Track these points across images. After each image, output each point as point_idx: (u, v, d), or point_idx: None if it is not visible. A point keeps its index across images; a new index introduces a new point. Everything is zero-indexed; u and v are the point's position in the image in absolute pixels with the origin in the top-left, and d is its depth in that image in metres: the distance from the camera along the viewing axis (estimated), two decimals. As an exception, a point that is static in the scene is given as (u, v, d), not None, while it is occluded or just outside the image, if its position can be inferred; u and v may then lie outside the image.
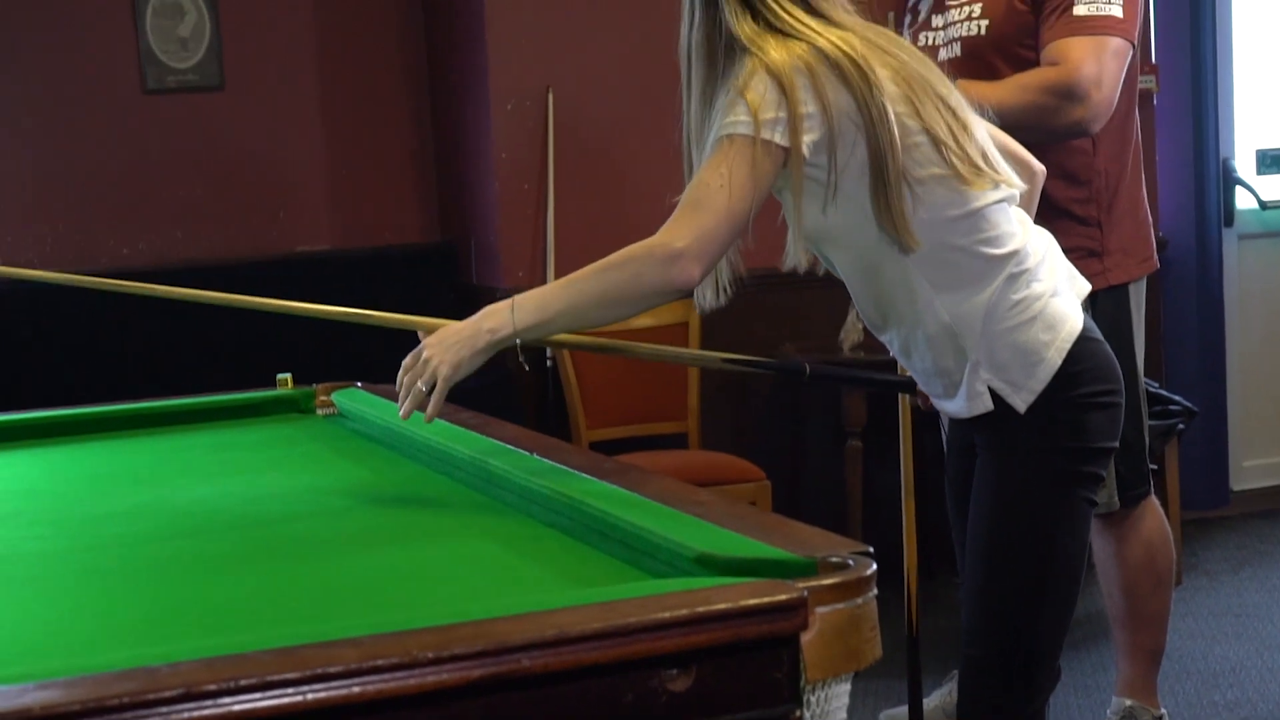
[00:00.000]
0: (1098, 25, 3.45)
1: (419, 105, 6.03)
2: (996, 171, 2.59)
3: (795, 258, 2.65)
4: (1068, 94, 3.42)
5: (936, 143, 2.51)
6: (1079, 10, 3.45)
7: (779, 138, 2.44)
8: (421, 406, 2.47)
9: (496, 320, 2.49)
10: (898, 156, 2.48)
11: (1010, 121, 3.43)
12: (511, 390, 5.35)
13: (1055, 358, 2.59)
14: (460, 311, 5.95)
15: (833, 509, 5.44)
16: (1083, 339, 2.63)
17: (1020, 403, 2.60)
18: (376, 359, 5.40)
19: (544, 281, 5.47)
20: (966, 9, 3.61)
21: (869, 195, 2.50)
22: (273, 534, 2.39)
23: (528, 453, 2.58)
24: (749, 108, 2.43)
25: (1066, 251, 3.53)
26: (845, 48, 2.48)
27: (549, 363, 5.40)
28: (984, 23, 3.57)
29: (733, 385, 5.58)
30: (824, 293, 3.96)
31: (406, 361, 2.50)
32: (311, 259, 5.92)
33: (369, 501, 2.59)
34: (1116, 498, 3.68)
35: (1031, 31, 3.53)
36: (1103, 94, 3.44)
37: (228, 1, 5.75)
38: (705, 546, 1.90)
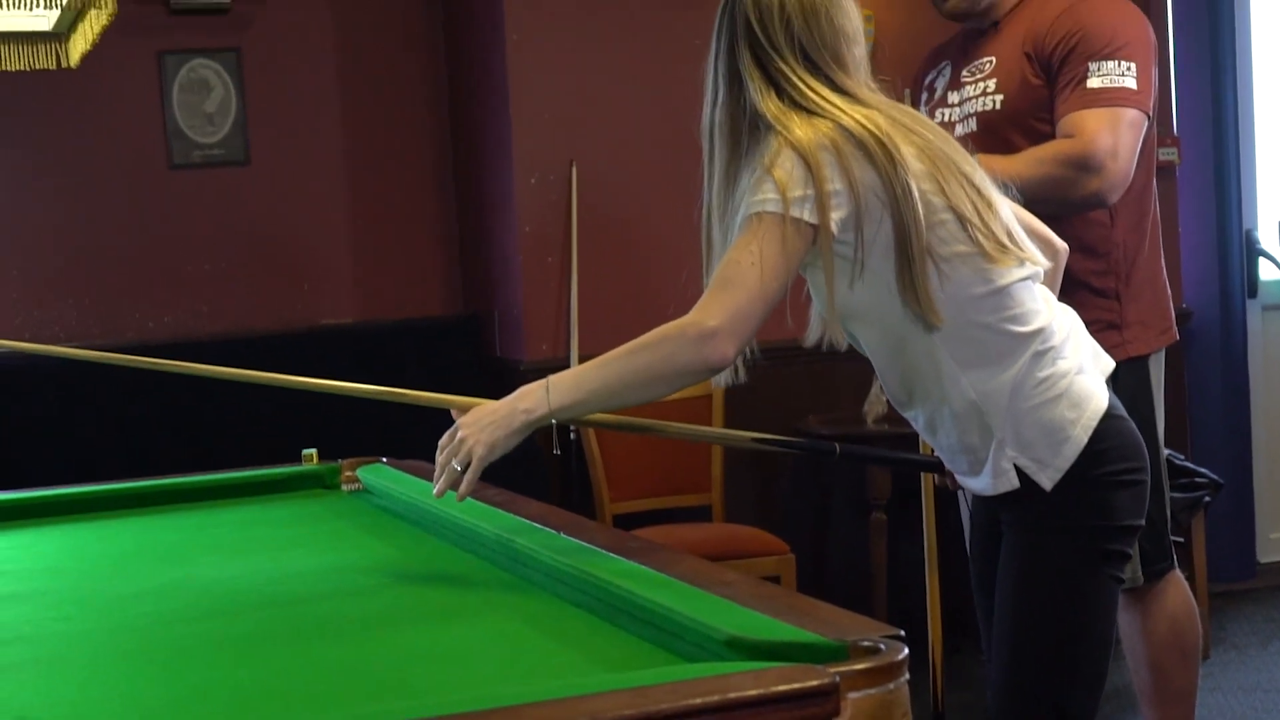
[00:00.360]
0: (1112, 97, 3.47)
1: (443, 178, 6.06)
2: (1021, 249, 2.59)
3: (818, 333, 2.66)
4: (1084, 166, 3.43)
5: (962, 220, 2.52)
6: (1093, 83, 3.47)
7: (808, 215, 2.44)
8: (455, 485, 2.46)
9: (531, 400, 2.50)
10: (922, 234, 2.48)
11: (1028, 194, 3.43)
12: (535, 462, 5.34)
13: (1081, 435, 2.58)
14: (484, 384, 6.00)
15: (857, 582, 5.42)
16: (1108, 416, 2.62)
17: (1046, 481, 2.59)
18: (401, 435, 5.41)
19: (568, 354, 5.48)
20: (982, 84, 3.64)
21: (894, 272, 2.50)
22: (300, 614, 2.38)
23: (554, 530, 2.57)
24: (777, 185, 2.44)
25: (1085, 324, 3.54)
26: (870, 125, 2.49)
27: (572, 435, 5.40)
28: (999, 97, 3.60)
29: (756, 458, 5.57)
30: (847, 365, 3.95)
31: (443, 441, 2.52)
32: (335, 332, 5.94)
33: (395, 579, 2.58)
34: (1140, 573, 3.65)
35: (1046, 105, 3.55)
36: (1119, 165, 3.45)
37: (253, 77, 5.79)
38: (735, 629, 1.89)
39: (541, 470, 5.42)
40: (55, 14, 2.98)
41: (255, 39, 5.80)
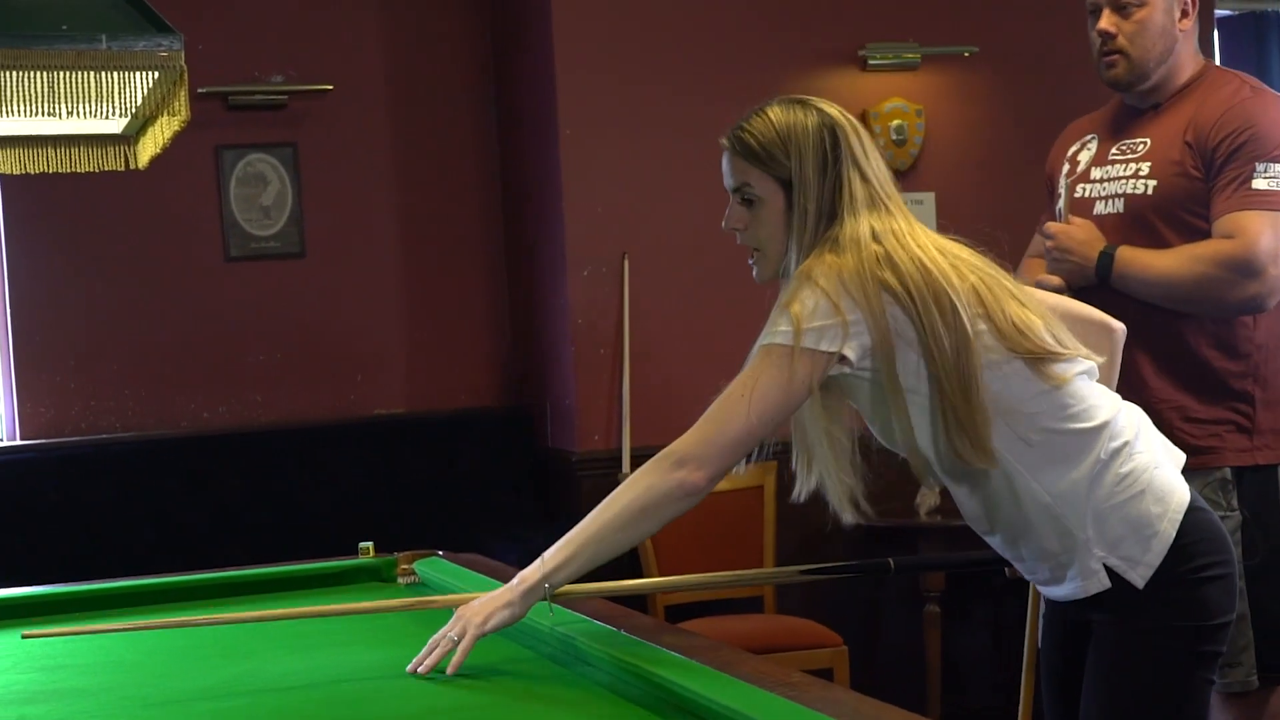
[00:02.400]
0: (1276, 200, 3.40)
1: (496, 271, 6.11)
2: (1070, 348, 2.58)
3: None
4: (1244, 269, 3.37)
5: (1003, 332, 2.51)
6: (1258, 184, 3.40)
7: (823, 345, 2.46)
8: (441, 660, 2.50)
9: (525, 572, 2.55)
10: (959, 370, 2.47)
11: (1179, 292, 3.39)
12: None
13: (1169, 530, 2.54)
14: (536, 474, 6.00)
15: (911, 674, 5.39)
16: (1192, 510, 2.58)
17: (1138, 579, 2.55)
18: (457, 529, 5.43)
19: (619, 446, 5.49)
20: (1133, 166, 3.56)
21: (933, 409, 2.50)
22: (363, 713, 2.39)
23: (614, 628, 2.57)
24: (791, 319, 2.46)
25: (1215, 424, 3.45)
26: (905, 254, 2.50)
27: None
28: (1152, 183, 3.51)
29: (807, 548, 5.55)
30: (897, 456, 3.95)
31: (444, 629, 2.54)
32: (388, 422, 5.98)
33: (456, 676, 2.58)
34: (1255, 676, 3.49)
35: (1198, 198, 3.46)
36: (1279, 270, 3.39)
37: (309, 171, 5.87)
38: (802, 733, 1.89)
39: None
40: (126, 118, 3.03)
41: (311, 134, 5.88)
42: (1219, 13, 6.56)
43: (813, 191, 2.54)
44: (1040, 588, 2.73)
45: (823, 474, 2.64)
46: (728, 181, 2.67)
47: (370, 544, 3.62)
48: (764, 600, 5.44)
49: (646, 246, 5.64)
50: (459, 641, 2.48)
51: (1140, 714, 2.61)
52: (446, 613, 2.76)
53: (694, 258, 5.65)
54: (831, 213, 2.54)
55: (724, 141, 2.67)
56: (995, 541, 2.69)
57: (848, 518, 2.65)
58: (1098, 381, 2.68)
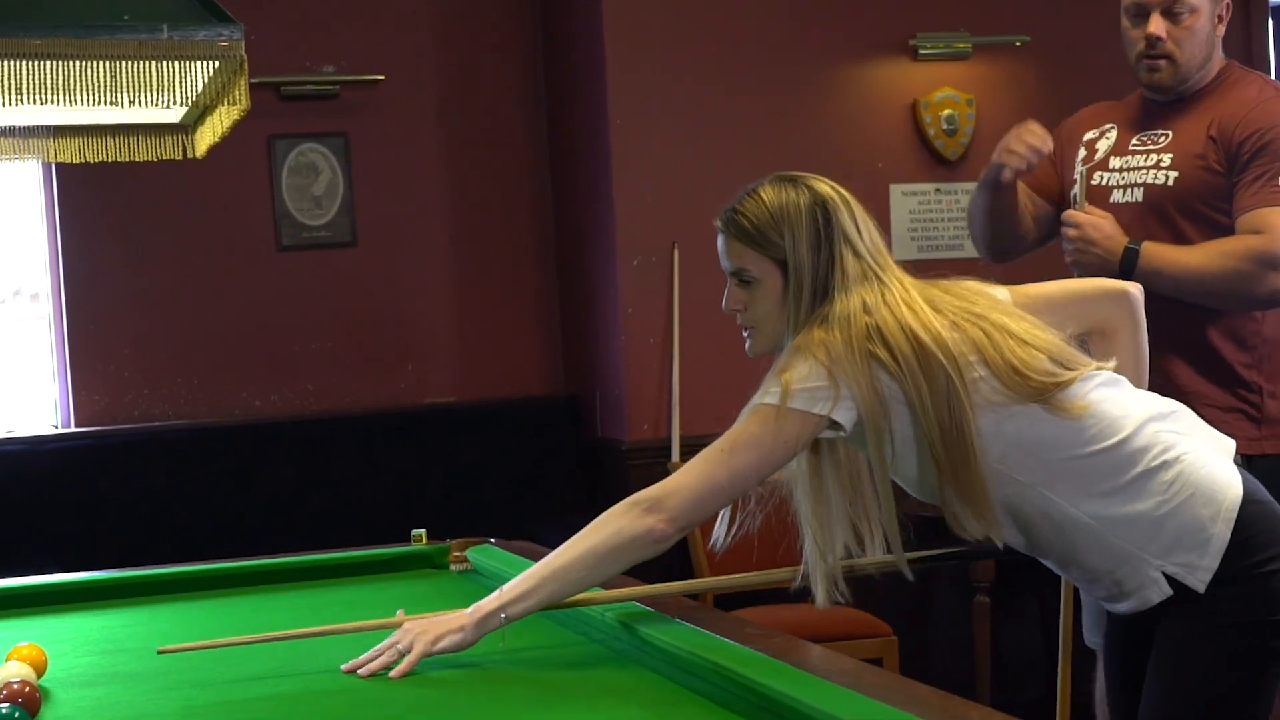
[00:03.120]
0: None
1: (546, 260, 6.13)
2: (1078, 367, 2.56)
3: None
4: (1270, 263, 3.40)
5: (1008, 382, 2.50)
6: None
7: (814, 408, 2.47)
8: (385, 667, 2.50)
9: (483, 601, 2.56)
10: (951, 438, 2.48)
11: (1205, 287, 3.41)
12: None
13: (1224, 530, 2.50)
14: (585, 463, 6.02)
15: (960, 665, 5.38)
16: (1247, 503, 2.54)
17: (1198, 583, 2.52)
18: (505, 517, 5.46)
19: (669, 435, 5.50)
20: (1155, 156, 3.58)
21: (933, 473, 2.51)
22: (420, 697, 2.40)
23: (669, 616, 2.58)
24: (782, 382, 2.49)
25: (1226, 411, 3.46)
26: (895, 324, 2.50)
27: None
28: (1173, 174, 3.54)
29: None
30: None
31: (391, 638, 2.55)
32: (439, 411, 6.00)
33: (511, 663, 2.59)
34: None
35: (1219, 192, 3.49)
36: None
37: (360, 161, 5.90)
38: (858, 719, 1.90)
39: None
40: (184, 108, 3.05)
41: (362, 123, 5.91)
42: (1274, 1, 6.51)
43: (807, 271, 2.57)
44: (1103, 604, 2.70)
45: (807, 550, 2.67)
46: (725, 264, 2.69)
47: (423, 531, 3.65)
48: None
49: (696, 236, 5.63)
50: (404, 654, 2.50)
51: (1204, 713, 2.58)
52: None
53: (744, 247, 5.64)
54: (825, 289, 2.57)
55: (718, 224, 2.70)
56: (1048, 564, 2.68)
57: (820, 599, 2.67)
58: (1121, 365, 2.67)
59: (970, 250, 5.97)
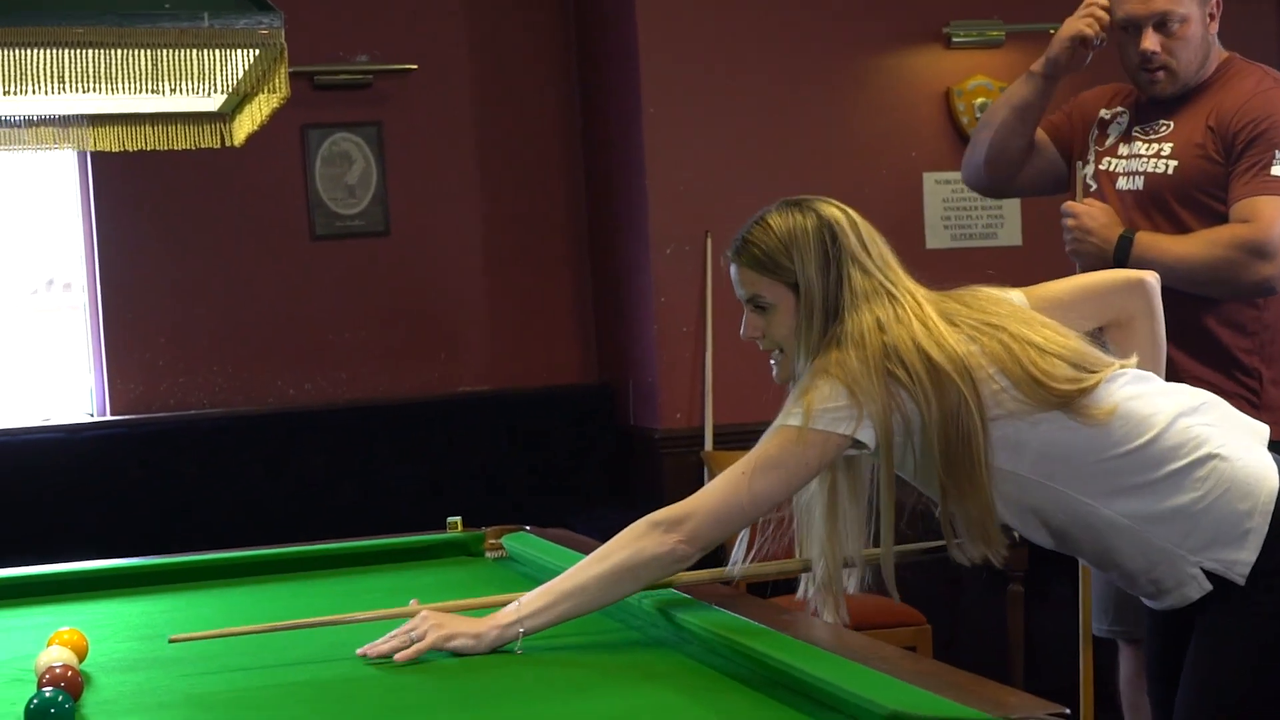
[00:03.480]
0: None
1: (579, 249, 6.14)
2: (1100, 369, 2.55)
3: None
4: (1258, 251, 3.42)
5: (1029, 392, 2.50)
6: (1276, 170, 3.45)
7: (838, 428, 2.48)
8: (394, 651, 2.51)
9: (502, 612, 2.57)
10: (960, 455, 2.49)
11: (1194, 275, 3.46)
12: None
13: (1261, 523, 2.50)
14: (618, 451, 6.03)
15: (993, 654, 5.37)
16: None
17: (1238, 576, 2.51)
18: (538, 505, 5.47)
19: (701, 424, 5.51)
20: (1156, 145, 3.62)
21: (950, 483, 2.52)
22: (459, 683, 2.41)
23: (705, 602, 2.59)
24: (805, 403, 2.50)
25: (1226, 397, 3.48)
26: (909, 342, 2.51)
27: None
28: (1173, 163, 3.57)
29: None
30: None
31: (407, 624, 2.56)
32: (472, 400, 6.02)
33: (548, 649, 2.60)
34: None
35: (1216, 181, 3.52)
36: None
37: (394, 150, 5.91)
38: (896, 704, 1.90)
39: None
40: (224, 96, 3.07)
41: (396, 113, 5.92)
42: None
43: (817, 291, 2.59)
44: (1144, 600, 2.69)
45: (818, 572, 2.68)
46: (739, 292, 2.72)
47: (459, 519, 3.65)
48: (846, 578, 5.43)
49: (730, 224, 5.58)
50: (416, 641, 2.51)
51: (1243, 703, 2.57)
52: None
53: (776, 236, 5.64)
54: (836, 309, 2.58)
55: (729, 255, 2.73)
56: (1085, 563, 2.68)
57: (826, 616, 2.67)
58: (1140, 355, 2.67)
59: (1003, 239, 5.98)
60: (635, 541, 2.53)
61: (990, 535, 2.54)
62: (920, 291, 2.61)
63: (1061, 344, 2.56)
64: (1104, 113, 3.79)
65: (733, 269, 2.73)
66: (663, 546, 2.51)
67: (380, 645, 2.52)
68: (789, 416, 2.51)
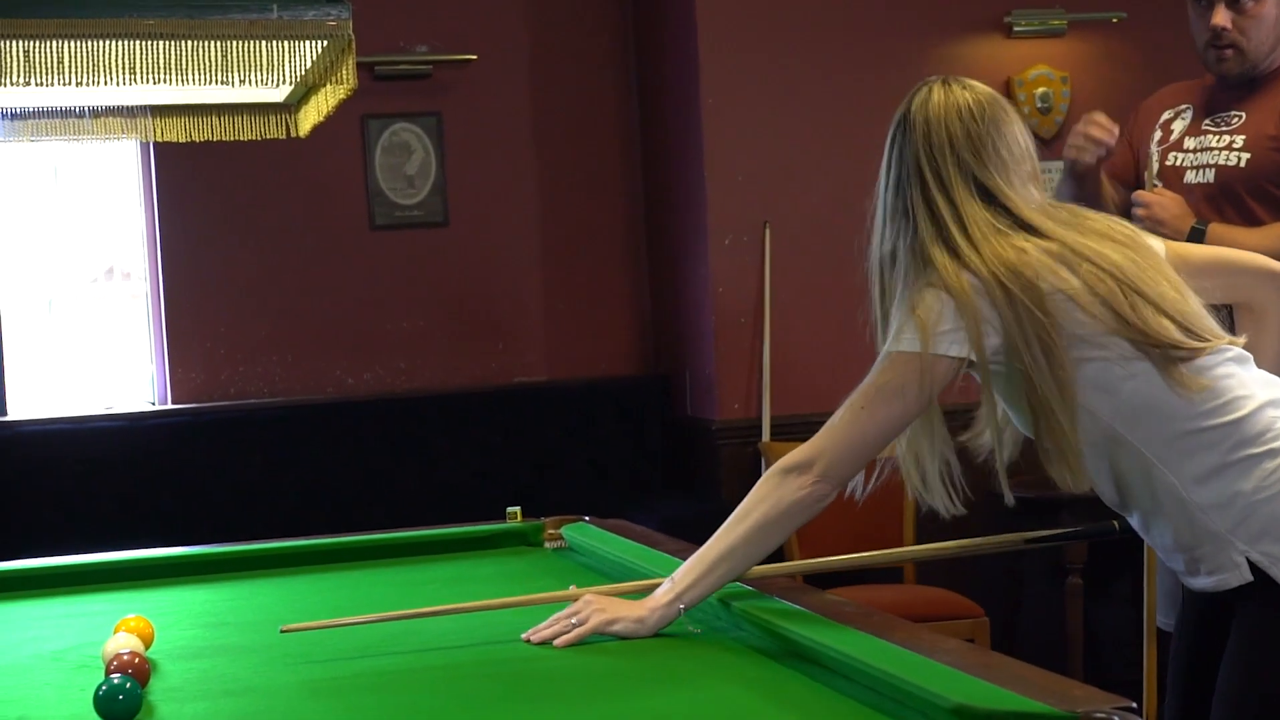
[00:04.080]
0: None
1: (636, 240, 6.14)
2: (1204, 341, 2.50)
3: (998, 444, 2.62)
4: None
5: (1135, 340, 2.46)
6: None
7: (954, 350, 2.45)
8: (556, 635, 2.52)
9: (657, 593, 2.56)
10: (1057, 383, 2.44)
11: None
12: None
13: None
14: (675, 442, 6.03)
15: (1052, 647, 5.35)
16: None
17: None
18: (595, 496, 5.48)
19: (759, 415, 5.50)
20: (1227, 138, 3.59)
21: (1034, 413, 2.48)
22: (519, 673, 2.42)
23: (766, 594, 2.59)
24: (918, 325, 2.45)
25: None
26: (1022, 270, 2.44)
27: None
28: (1245, 155, 3.55)
29: (948, 520, 5.52)
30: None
31: (569, 608, 2.57)
32: (529, 390, 6.03)
33: (615, 643, 2.60)
34: None
35: None
36: None
37: (453, 141, 5.93)
38: (961, 698, 1.89)
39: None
40: (290, 87, 3.09)
41: (455, 104, 5.94)
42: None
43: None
44: (1180, 576, 2.67)
45: (918, 458, 2.63)
46: None
47: (518, 509, 3.66)
48: (904, 571, 5.42)
49: (788, 216, 5.63)
50: (577, 626, 2.51)
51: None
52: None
53: (835, 228, 5.62)
54: (943, 227, 2.52)
55: None
56: (1133, 522, 2.66)
57: (942, 507, 2.64)
58: (1266, 345, 2.63)
59: (1063, 230, 5.94)
60: (774, 492, 2.51)
61: (1073, 461, 2.48)
62: (1061, 219, 2.54)
63: (1174, 304, 2.50)
64: (1166, 114, 3.77)
65: None
66: (802, 489, 2.49)
67: (543, 630, 2.53)
68: (902, 341, 2.47)
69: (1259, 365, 2.64)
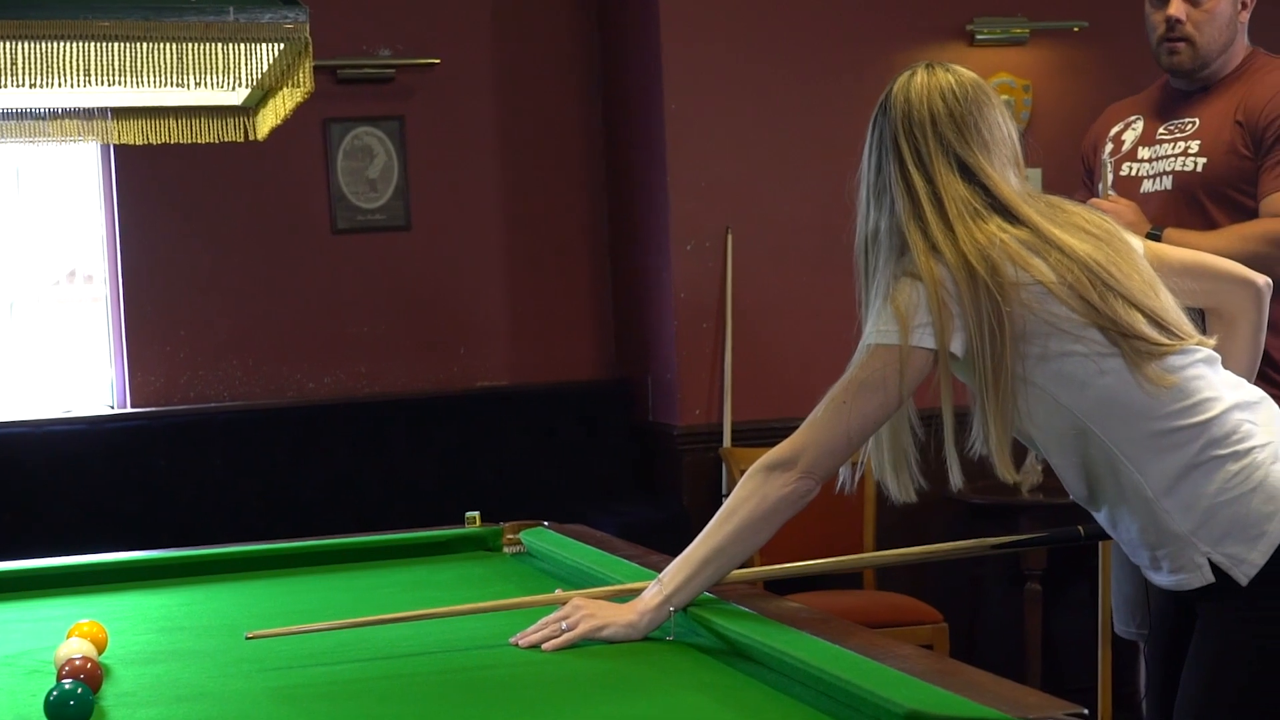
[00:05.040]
0: None
1: (598, 245, 6.14)
2: (1181, 337, 2.52)
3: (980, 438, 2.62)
4: None
5: (1106, 331, 2.46)
6: None
7: (926, 342, 2.45)
8: (544, 640, 2.51)
9: (645, 595, 2.55)
10: (994, 372, 2.45)
11: None
12: (685, 528, 5.36)
13: (1277, 530, 2.47)
14: (637, 449, 6.03)
15: (1011, 653, 5.36)
16: None
17: (1242, 576, 2.49)
18: (557, 500, 5.47)
19: (720, 421, 5.50)
20: (1183, 144, 3.61)
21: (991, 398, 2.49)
22: (475, 679, 2.41)
23: (725, 600, 2.59)
24: (896, 315, 2.46)
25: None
26: (993, 256, 2.44)
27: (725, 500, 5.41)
28: (1201, 160, 3.57)
29: (908, 524, 5.53)
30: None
31: (553, 614, 2.55)
32: (491, 394, 6.03)
33: (571, 650, 2.59)
34: None
35: (1247, 177, 3.52)
36: None
37: (416, 144, 5.92)
38: (915, 704, 1.90)
39: (692, 536, 5.43)
40: (248, 90, 3.08)
41: (418, 107, 5.93)
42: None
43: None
44: (1143, 570, 2.69)
45: (885, 442, 2.62)
46: None
47: (477, 514, 3.65)
48: (863, 576, 5.43)
49: (750, 221, 5.64)
50: (566, 631, 2.51)
51: (1241, 706, 2.55)
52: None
53: (797, 233, 5.65)
54: (920, 211, 2.51)
55: None
56: (1099, 517, 2.67)
57: (898, 491, 2.63)
58: (1236, 353, 2.66)
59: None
60: (759, 489, 2.51)
61: (998, 450, 2.48)
62: (1038, 209, 2.54)
63: (1146, 297, 2.51)
64: (1115, 127, 3.80)
65: None
66: (786, 486, 2.49)
67: (531, 634, 2.52)
68: (883, 334, 2.47)
69: (1232, 366, 2.66)
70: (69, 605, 3.11)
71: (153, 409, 5.75)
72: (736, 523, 2.52)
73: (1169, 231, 3.52)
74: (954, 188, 2.51)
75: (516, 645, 2.53)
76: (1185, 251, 2.81)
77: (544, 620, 2.55)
